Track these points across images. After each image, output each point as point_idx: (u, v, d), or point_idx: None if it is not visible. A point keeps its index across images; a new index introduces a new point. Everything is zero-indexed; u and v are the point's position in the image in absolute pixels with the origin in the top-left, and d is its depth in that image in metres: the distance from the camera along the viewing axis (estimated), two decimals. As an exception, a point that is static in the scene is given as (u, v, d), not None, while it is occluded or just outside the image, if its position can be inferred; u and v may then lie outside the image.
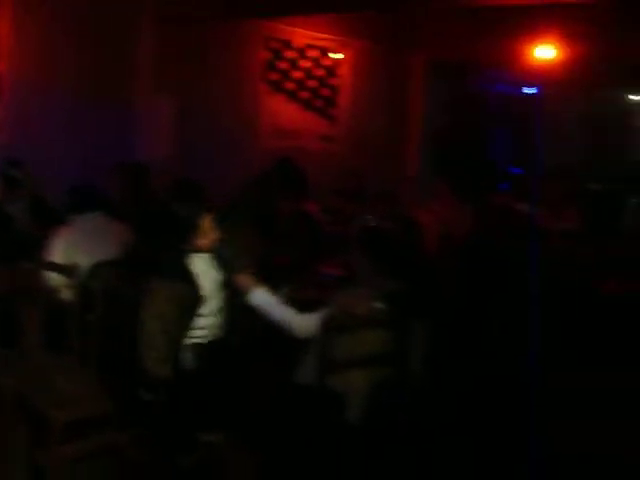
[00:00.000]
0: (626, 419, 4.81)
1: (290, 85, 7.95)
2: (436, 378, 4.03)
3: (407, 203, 6.59)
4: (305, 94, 8.06)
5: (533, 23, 7.68)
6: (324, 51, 8.18)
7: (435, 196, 7.53)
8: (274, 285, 4.61)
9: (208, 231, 3.67)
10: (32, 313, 4.09)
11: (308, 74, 8.08)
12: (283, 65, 7.88)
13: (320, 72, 8.16)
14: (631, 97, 12.60)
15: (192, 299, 3.62)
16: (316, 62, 8.12)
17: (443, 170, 8.64)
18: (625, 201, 8.23)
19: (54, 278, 4.38)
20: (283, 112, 7.93)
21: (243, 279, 3.88)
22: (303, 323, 3.80)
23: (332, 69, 8.23)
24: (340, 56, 8.24)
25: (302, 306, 4.52)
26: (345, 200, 6.92)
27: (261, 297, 3.86)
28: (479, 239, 5.41)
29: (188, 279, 3.63)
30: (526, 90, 10.44)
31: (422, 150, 9.20)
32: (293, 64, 7.97)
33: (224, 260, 3.80)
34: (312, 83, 8.10)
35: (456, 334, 4.29)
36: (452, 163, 9.20)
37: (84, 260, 4.43)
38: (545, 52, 8.03)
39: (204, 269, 3.73)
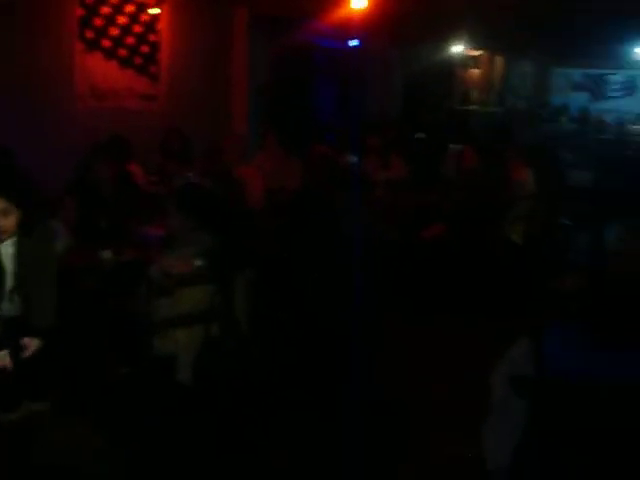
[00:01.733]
0: (450, 363, 5.07)
1: (107, 43, 7.62)
2: (261, 330, 4.06)
3: (231, 159, 6.53)
4: (123, 52, 7.76)
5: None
6: (141, 6, 7.89)
7: (263, 151, 7.54)
8: (95, 248, 4.49)
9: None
10: None
11: (126, 31, 7.78)
12: (99, 22, 7.54)
13: (138, 28, 7.87)
14: (452, 49, 13.07)
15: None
16: (134, 18, 7.82)
17: (270, 124, 8.62)
18: (446, 149, 8.53)
19: None
20: (100, 71, 7.59)
21: None
22: None
23: (151, 25, 7.96)
24: (158, 11, 7.97)
25: (124, 267, 4.43)
26: (169, 159, 6.78)
27: None
28: (305, 191, 5.44)
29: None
30: (349, 43, 10.55)
31: (249, 105, 9.12)
32: (110, 20, 7.64)
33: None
34: (130, 40, 7.81)
35: (279, 285, 4.33)
36: (278, 117, 9.20)
37: None
38: (361, 3, 8.11)
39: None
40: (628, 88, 19.08)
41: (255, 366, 4.16)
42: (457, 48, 13.04)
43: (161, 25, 8.04)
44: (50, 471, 3.48)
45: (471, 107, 14.22)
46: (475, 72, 15.23)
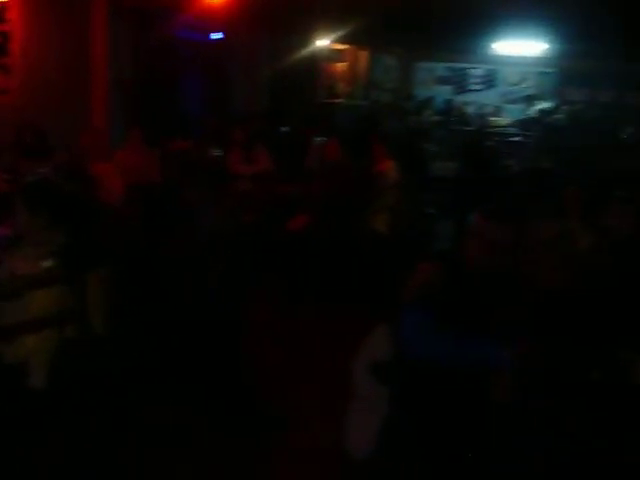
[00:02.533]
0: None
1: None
2: (119, 327, 3.94)
3: (89, 155, 6.30)
4: (-29, 43, 7.37)
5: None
6: (-10, -5, 7.50)
7: (125, 146, 7.33)
8: None
9: None
10: None
11: (-27, 21, 7.38)
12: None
13: (-13, 18, 7.49)
14: (318, 42, 13.10)
15: None
16: (-19, 7, 7.43)
17: (134, 119, 8.40)
18: (311, 142, 8.55)
19: None
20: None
21: None
22: None
23: (0, 14, 7.57)
24: (7, -1, 7.60)
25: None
26: (23, 156, 6.46)
27: None
28: (162, 186, 5.32)
29: None
30: (215, 36, 10.44)
31: (111, 99, 8.82)
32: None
33: None
34: (-22, 30, 7.42)
35: (135, 281, 4.22)
36: (142, 112, 8.97)
37: None
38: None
39: None
40: (488, 81, 19.77)
41: (114, 365, 4.03)
42: (323, 42, 13.09)
43: (12, 14, 7.66)
44: None
45: (337, 100, 14.35)
46: (340, 66, 15.38)
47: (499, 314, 2.95)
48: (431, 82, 19.99)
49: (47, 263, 3.63)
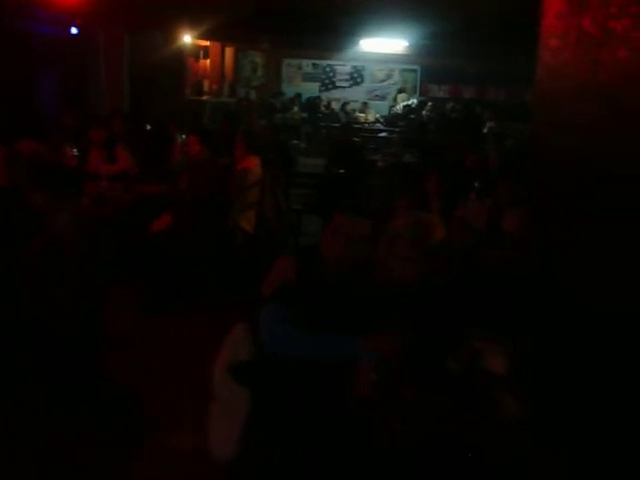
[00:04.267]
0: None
1: None
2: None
3: None
4: None
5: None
6: None
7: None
8: None
9: None
10: None
11: None
12: None
13: None
14: (182, 39, 12.88)
15: None
16: None
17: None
18: (174, 140, 8.36)
19: None
20: None
21: None
22: None
23: None
24: None
25: None
26: None
27: None
28: (7, 189, 5.06)
29: None
30: (69, 31, 10.05)
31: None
32: None
33: None
34: None
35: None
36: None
37: None
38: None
39: None
40: (355, 78, 20.08)
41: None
42: (186, 38, 12.87)
43: None
44: None
45: (203, 97, 14.17)
46: (206, 63, 15.20)
47: (356, 307, 2.94)
48: (298, 79, 20.10)
49: None
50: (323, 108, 18.11)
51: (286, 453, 2.95)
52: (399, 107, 18.57)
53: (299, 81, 19.93)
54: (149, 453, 3.97)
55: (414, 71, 19.77)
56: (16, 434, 3.94)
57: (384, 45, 14.07)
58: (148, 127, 9.09)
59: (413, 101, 18.80)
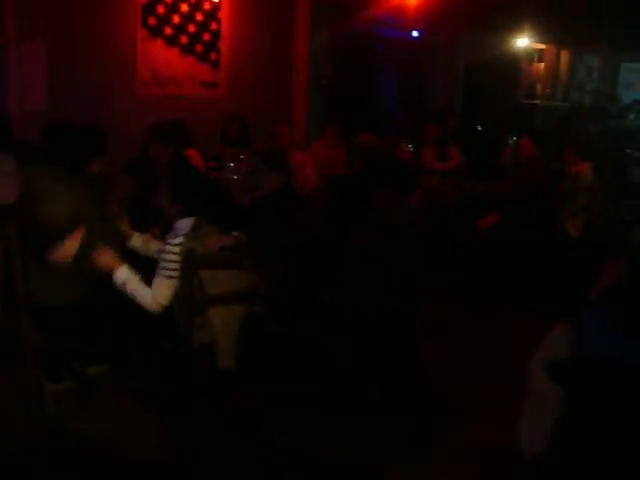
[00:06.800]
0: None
1: (169, 30, 7.75)
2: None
3: (286, 144, 6.63)
4: (185, 39, 7.88)
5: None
6: (203, -5, 7.99)
7: (322, 139, 7.62)
8: (146, 228, 4.57)
9: None
10: None
11: (187, 19, 7.89)
12: (161, 9, 7.67)
13: (200, 16, 7.97)
14: (516, 41, 12.84)
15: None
16: (196, 6, 7.93)
17: (330, 115, 8.67)
18: (505, 141, 8.42)
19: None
20: (162, 58, 7.72)
21: (105, 258, 3.81)
22: (155, 295, 3.74)
23: (212, 13, 8.05)
24: (219, -1, 8.07)
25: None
26: (228, 146, 6.87)
27: (123, 275, 3.79)
28: (347, 178, 5.46)
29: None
30: (411, 34, 10.50)
31: (308, 96, 9.13)
32: (172, 8, 7.76)
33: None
34: (192, 28, 7.93)
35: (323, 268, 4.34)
36: (337, 108, 9.21)
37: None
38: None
39: None
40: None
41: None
42: (522, 41, 12.79)
43: (222, 13, 8.13)
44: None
45: (535, 101, 13.97)
46: (540, 66, 14.95)
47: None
48: (638, 85, 18.99)
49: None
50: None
51: (594, 458, 2.90)
52: None
53: (639, 87, 18.81)
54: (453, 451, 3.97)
55: None
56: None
57: None
58: (479, 128, 9.23)
59: None
